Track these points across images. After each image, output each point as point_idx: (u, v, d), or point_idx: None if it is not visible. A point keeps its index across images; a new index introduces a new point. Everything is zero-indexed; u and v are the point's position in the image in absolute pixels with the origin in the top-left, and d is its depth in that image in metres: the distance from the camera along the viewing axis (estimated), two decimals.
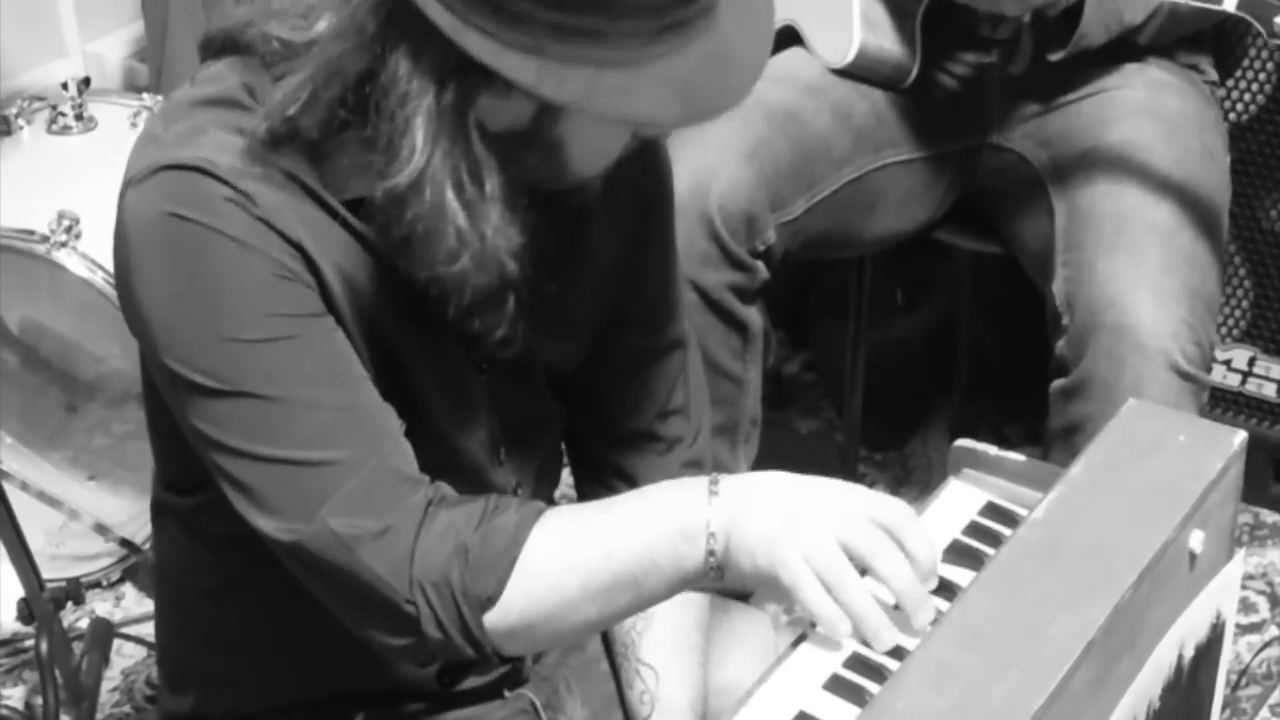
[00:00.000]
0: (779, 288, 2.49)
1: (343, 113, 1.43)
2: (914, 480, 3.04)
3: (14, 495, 2.43)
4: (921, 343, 3.25)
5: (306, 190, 1.48)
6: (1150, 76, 2.43)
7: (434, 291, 1.46)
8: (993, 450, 1.52)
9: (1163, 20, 2.33)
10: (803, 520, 1.42)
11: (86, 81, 2.83)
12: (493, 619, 1.46)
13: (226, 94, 1.49)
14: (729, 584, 1.48)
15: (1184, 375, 2.18)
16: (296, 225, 1.46)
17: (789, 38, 2.51)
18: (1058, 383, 2.27)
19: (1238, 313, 2.87)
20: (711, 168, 2.31)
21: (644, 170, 1.69)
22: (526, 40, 1.33)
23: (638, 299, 1.77)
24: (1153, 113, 2.38)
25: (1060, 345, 2.26)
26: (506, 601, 1.46)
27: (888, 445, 3.13)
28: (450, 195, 1.41)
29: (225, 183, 1.44)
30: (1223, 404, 2.92)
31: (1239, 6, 1.91)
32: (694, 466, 1.80)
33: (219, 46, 1.54)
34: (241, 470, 1.47)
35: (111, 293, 2.48)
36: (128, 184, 1.47)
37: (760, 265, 2.36)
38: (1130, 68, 2.43)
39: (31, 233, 2.52)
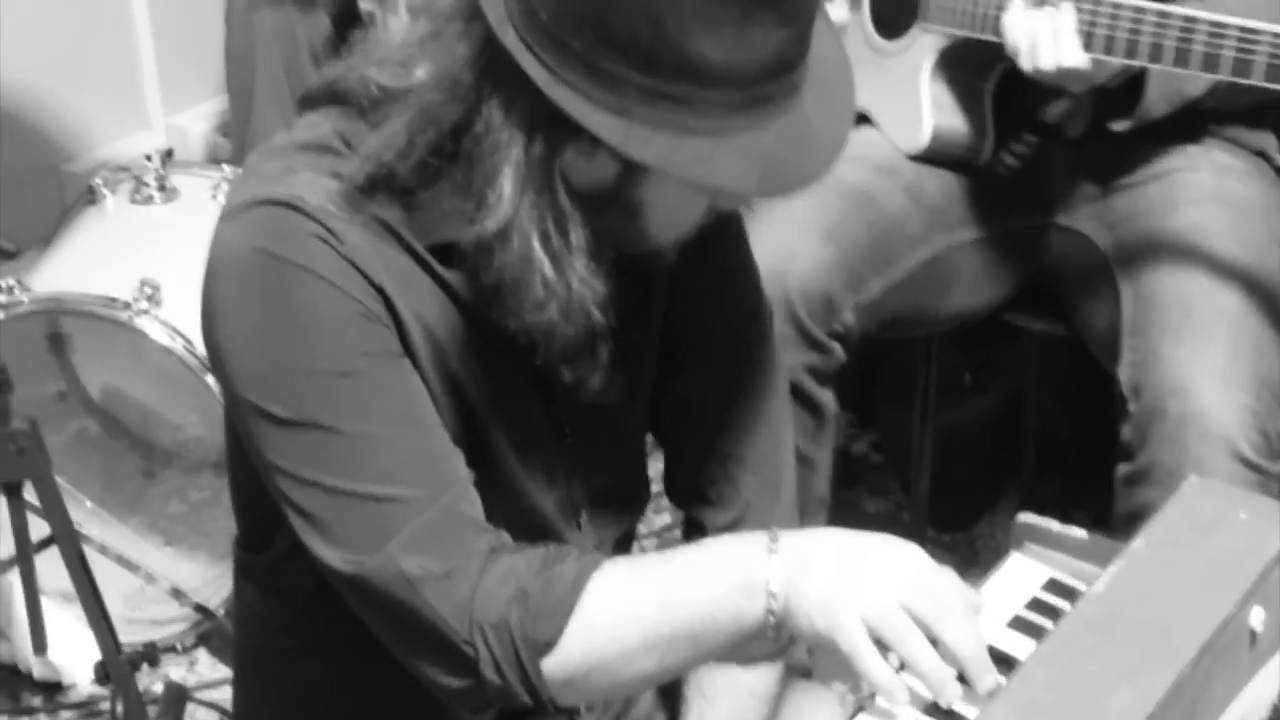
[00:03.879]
0: (848, 367, 2.51)
1: (436, 160, 1.47)
2: (981, 561, 3.03)
3: (93, 558, 2.46)
4: (989, 424, 3.25)
5: (395, 236, 1.51)
6: (1216, 160, 2.43)
7: (523, 341, 1.50)
8: (1055, 525, 1.53)
9: (1223, 91, 2.32)
10: (864, 583, 1.41)
11: (169, 153, 2.88)
12: (550, 665, 1.47)
13: (321, 140, 1.53)
14: (791, 650, 1.49)
15: (1249, 464, 2.16)
16: (381, 270, 1.50)
17: (859, 118, 2.52)
18: (1123, 468, 2.26)
19: None
20: (790, 249, 2.32)
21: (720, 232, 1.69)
22: (615, 100, 1.37)
23: (717, 323, 1.78)
24: (1218, 197, 2.37)
25: (1126, 430, 2.25)
26: (565, 648, 1.47)
27: (955, 526, 3.13)
28: (537, 245, 1.44)
29: (315, 220, 1.48)
30: None
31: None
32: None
33: (317, 100, 1.58)
34: (310, 501, 1.50)
35: (191, 360, 2.53)
36: (222, 219, 1.52)
37: (837, 347, 2.37)
38: (1195, 150, 2.43)
39: (114, 300, 2.56)
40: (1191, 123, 2.41)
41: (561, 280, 1.45)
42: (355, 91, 1.53)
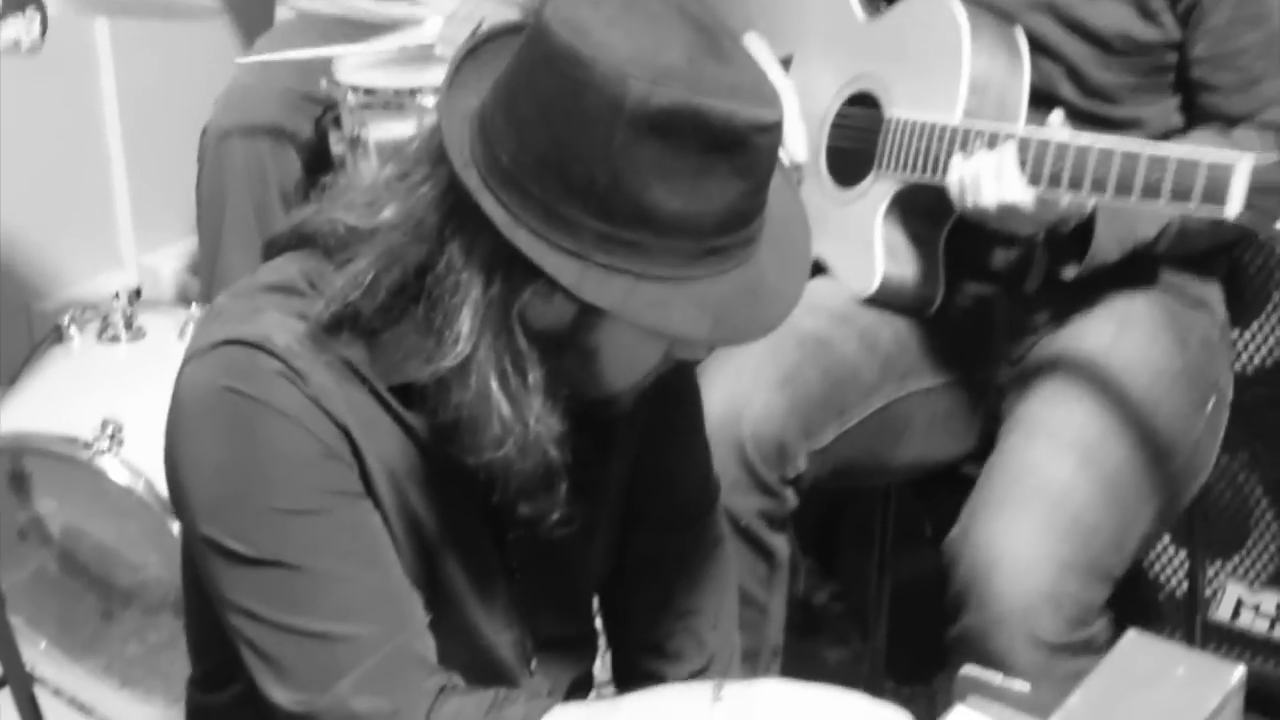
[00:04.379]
0: (809, 516, 2.50)
1: (400, 300, 1.51)
2: (939, 714, 3.01)
3: (46, 701, 2.44)
4: None
5: (359, 377, 1.54)
6: (1156, 313, 2.41)
7: (481, 477, 1.52)
8: (998, 678, 1.53)
9: (1174, 235, 2.32)
10: None
11: (138, 293, 2.91)
12: None
13: (287, 281, 1.57)
14: None
15: (1049, 646, 2.13)
16: (345, 409, 1.53)
17: (816, 268, 2.54)
18: (949, 630, 2.23)
19: (1265, 557, 2.86)
20: (744, 394, 2.33)
21: (673, 376, 1.72)
22: (572, 244, 1.40)
23: (670, 488, 1.82)
24: (1134, 352, 2.35)
25: (947, 596, 2.22)
26: None
27: (914, 678, 3.11)
28: (494, 383, 1.47)
29: (281, 360, 1.51)
30: (1253, 649, 2.88)
31: (1239, 216, 1.93)
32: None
33: (282, 245, 1.62)
34: (265, 638, 1.51)
35: (152, 500, 2.53)
36: (188, 358, 1.55)
37: (790, 492, 2.37)
38: (1140, 300, 2.41)
39: (75, 439, 2.56)
40: (1143, 268, 2.41)
41: (518, 418, 1.48)
42: (322, 233, 1.57)
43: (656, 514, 1.82)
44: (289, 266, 1.60)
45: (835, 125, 2.58)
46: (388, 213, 1.52)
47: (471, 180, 1.43)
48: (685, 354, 1.62)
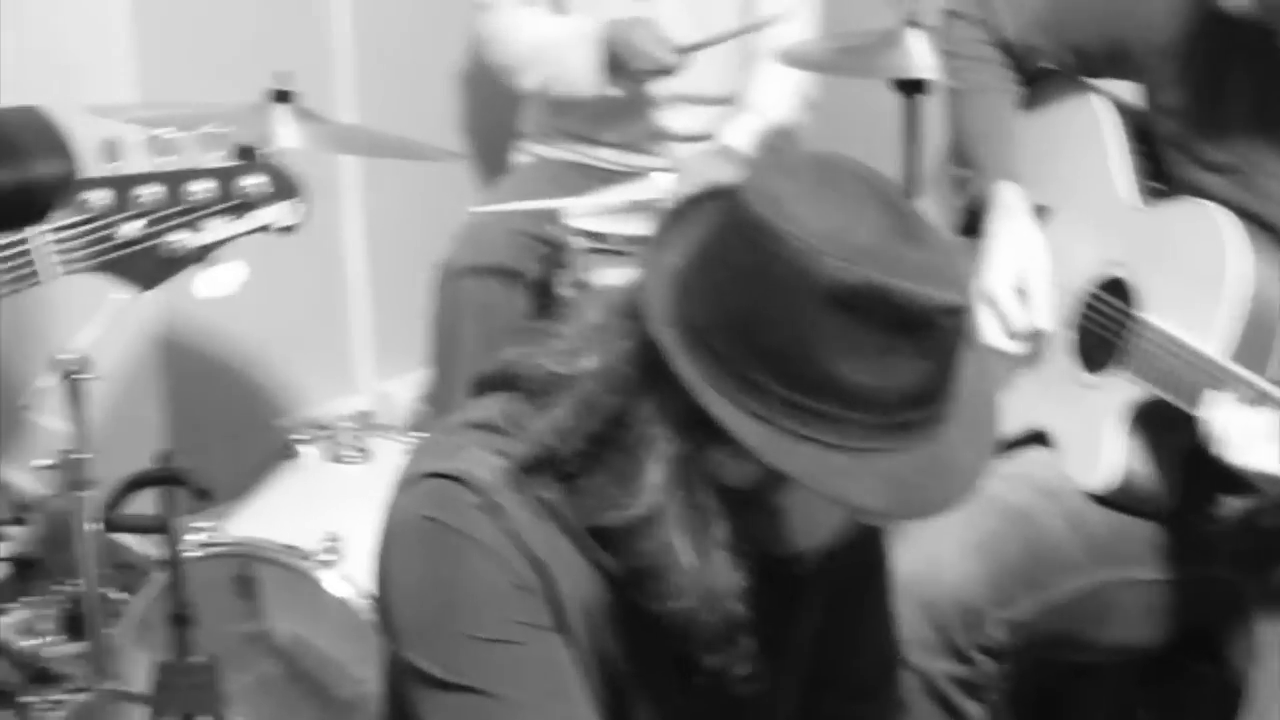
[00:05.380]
0: (1026, 689, 2.46)
1: (595, 447, 1.55)
2: None
3: None
4: None
5: (555, 515, 1.59)
6: None
7: (666, 624, 1.55)
8: None
9: None
10: None
11: (368, 416, 3.04)
12: None
13: (489, 420, 1.63)
14: None
15: None
16: (541, 546, 1.58)
17: (1031, 437, 2.49)
18: None
19: None
20: (939, 555, 2.31)
21: (862, 539, 1.74)
22: (761, 409, 1.44)
23: (853, 656, 1.83)
24: None
25: None
26: None
27: None
28: (678, 535, 1.51)
29: (481, 494, 1.57)
30: None
31: None
32: None
33: (489, 384, 1.68)
34: None
35: (368, 617, 2.63)
36: (398, 487, 1.63)
37: (986, 660, 2.33)
38: None
39: (296, 549, 2.67)
40: None
41: (701, 571, 1.52)
42: (526, 376, 1.62)
43: (839, 680, 1.83)
44: (493, 406, 1.65)
45: (1086, 304, 2.49)
46: (587, 361, 1.57)
47: (666, 339, 1.47)
48: (868, 520, 1.65)
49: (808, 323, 1.42)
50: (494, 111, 4.09)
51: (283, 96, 2.71)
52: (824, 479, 1.45)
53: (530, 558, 1.58)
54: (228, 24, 3.73)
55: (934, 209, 2.72)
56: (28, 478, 3.82)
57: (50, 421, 2.92)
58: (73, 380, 2.63)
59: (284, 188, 2.04)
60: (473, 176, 4.25)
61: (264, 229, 2.04)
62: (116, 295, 2.66)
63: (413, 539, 1.61)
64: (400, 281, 4.01)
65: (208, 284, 2.04)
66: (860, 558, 1.78)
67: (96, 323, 2.67)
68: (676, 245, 1.54)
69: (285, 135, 2.64)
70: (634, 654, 1.66)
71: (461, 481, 1.59)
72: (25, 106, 3.40)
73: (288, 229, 2.05)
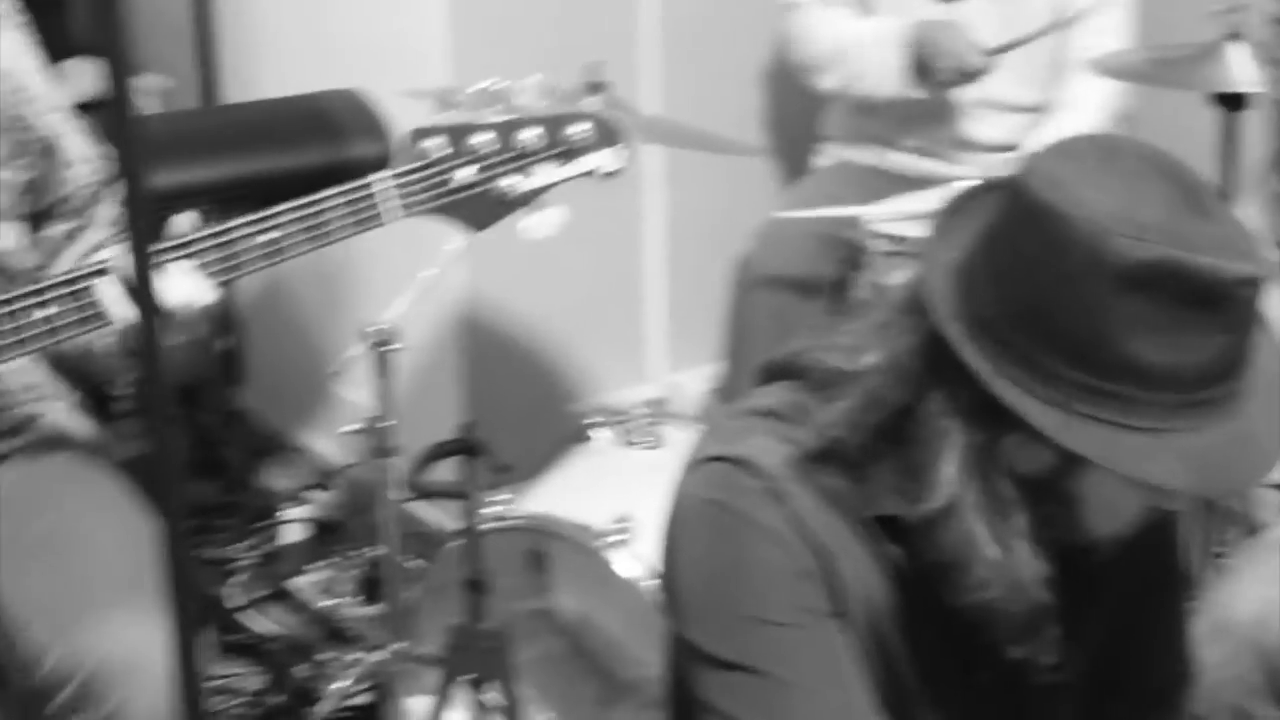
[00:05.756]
0: None
1: (881, 439, 1.57)
2: None
3: None
4: None
5: (839, 504, 1.61)
6: None
7: (965, 618, 1.55)
8: None
9: None
10: None
11: (662, 403, 3.09)
12: None
13: (774, 408, 1.66)
14: None
15: None
16: (825, 533, 1.59)
17: None
18: None
19: None
20: (1274, 601, 2.23)
21: (1157, 545, 1.75)
22: (1054, 395, 1.44)
23: (1140, 667, 1.81)
24: None
25: None
26: None
27: None
28: (978, 526, 1.51)
29: (764, 478, 1.59)
30: None
31: None
32: None
33: (775, 373, 1.71)
34: None
35: (654, 600, 2.65)
36: (685, 470, 1.66)
37: None
38: None
39: (589, 528, 2.72)
40: None
41: (1004, 561, 1.52)
42: (809, 368, 1.65)
43: (1127, 687, 1.81)
44: (779, 394, 1.68)
45: None
46: (871, 357, 1.58)
47: (954, 332, 1.48)
48: (1166, 503, 1.64)
49: (1100, 304, 1.42)
50: (796, 112, 4.11)
51: (594, 87, 2.76)
52: (1123, 460, 1.44)
53: (813, 544, 1.60)
54: (539, 12, 3.81)
55: (1254, 224, 2.67)
56: (330, 445, 3.96)
57: (353, 392, 3.02)
58: (381, 351, 2.72)
59: (607, 135, 2.12)
60: (773, 176, 4.27)
61: (589, 174, 2.10)
62: (424, 273, 2.76)
63: (696, 521, 1.64)
64: (697, 275, 4.05)
65: (534, 226, 2.12)
66: (1157, 560, 1.77)
67: (405, 298, 2.77)
68: (955, 239, 1.55)
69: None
70: (916, 650, 1.66)
71: (746, 466, 1.61)
72: (344, 90, 3.54)
73: (611, 174, 2.12)
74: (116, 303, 2.08)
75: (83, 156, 2.45)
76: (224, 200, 3.14)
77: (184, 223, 2.54)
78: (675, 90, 4.00)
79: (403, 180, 2.11)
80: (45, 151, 2.39)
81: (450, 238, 2.34)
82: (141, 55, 4.05)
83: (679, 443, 2.96)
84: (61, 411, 2.54)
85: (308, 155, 3.42)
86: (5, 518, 2.15)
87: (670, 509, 1.68)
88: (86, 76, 3.73)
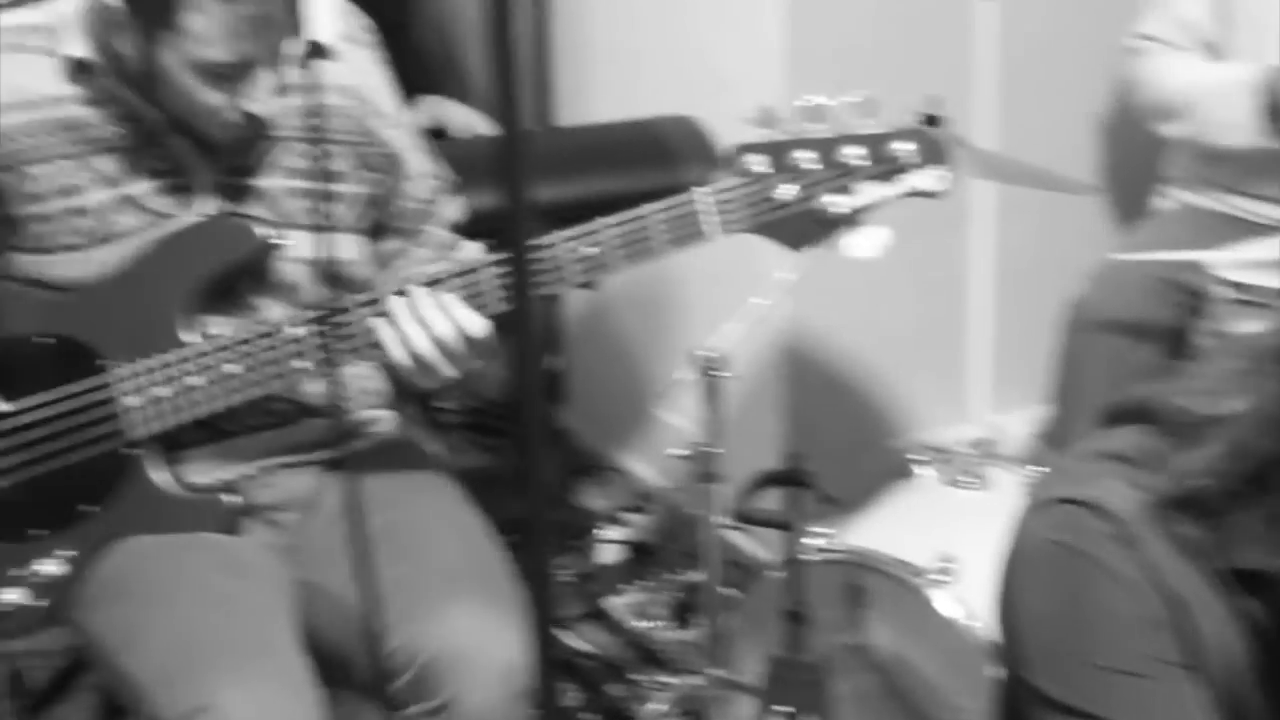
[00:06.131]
0: None
1: (1249, 489, 1.51)
2: None
3: None
4: None
5: (1197, 555, 1.55)
6: None
7: None
8: None
9: None
10: None
11: (988, 445, 3.05)
12: None
13: (1125, 452, 1.62)
14: None
15: None
16: (1178, 582, 1.54)
17: None
18: None
19: None
20: None
21: None
22: None
23: None
24: None
25: None
26: None
27: None
28: None
29: (1114, 523, 1.55)
30: None
31: None
32: None
33: (1122, 417, 1.67)
34: None
35: (976, 643, 2.62)
36: (1027, 509, 1.63)
37: None
38: None
39: (910, 565, 2.70)
40: None
41: None
42: (1161, 413, 1.61)
43: None
44: (1128, 438, 1.64)
45: None
46: (1234, 404, 1.54)
47: None
48: None
49: None
50: (1134, 154, 4.03)
51: (932, 120, 2.74)
52: None
53: (1166, 593, 1.55)
54: (877, 44, 3.80)
55: None
56: (647, 468, 3.99)
57: (674, 416, 3.04)
58: (710, 377, 2.73)
59: (932, 155, 2.11)
60: (1106, 217, 4.20)
61: (912, 194, 2.08)
62: (755, 300, 2.76)
63: (1040, 563, 1.61)
64: (1024, 316, 3.99)
65: (856, 245, 2.10)
66: None
67: (735, 324, 2.78)
68: None
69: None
70: (1276, 714, 1.60)
71: (1095, 509, 1.58)
72: (680, 116, 3.57)
73: (933, 194, 2.08)
74: (391, 342, 2.14)
75: (422, 172, 2.51)
76: (556, 222, 3.19)
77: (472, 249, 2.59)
78: (1010, 127, 3.95)
79: (723, 196, 2.11)
80: (389, 165, 2.45)
81: (779, 266, 2.33)
82: (478, 79, 4.14)
83: (1005, 485, 2.94)
84: (393, 420, 2.60)
85: (641, 180, 3.45)
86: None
87: (1010, 549, 1.65)
88: (429, 108, 3.83)
